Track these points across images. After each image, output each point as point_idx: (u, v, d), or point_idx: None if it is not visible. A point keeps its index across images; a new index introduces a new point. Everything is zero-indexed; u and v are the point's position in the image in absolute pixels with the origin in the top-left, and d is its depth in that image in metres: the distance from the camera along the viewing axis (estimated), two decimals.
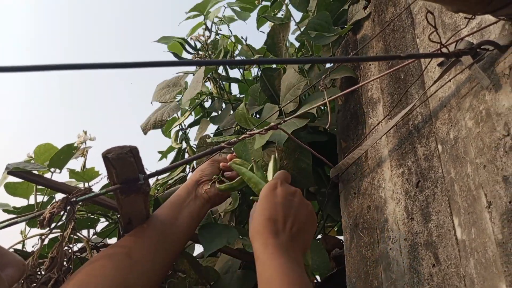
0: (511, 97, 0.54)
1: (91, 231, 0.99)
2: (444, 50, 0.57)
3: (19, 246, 1.01)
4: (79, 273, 0.68)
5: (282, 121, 0.68)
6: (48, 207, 0.76)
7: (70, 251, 0.96)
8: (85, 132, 1.26)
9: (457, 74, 0.63)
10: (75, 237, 0.99)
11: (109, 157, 0.66)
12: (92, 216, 0.95)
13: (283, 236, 0.60)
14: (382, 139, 0.84)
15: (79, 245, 1.03)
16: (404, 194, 0.73)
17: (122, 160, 0.67)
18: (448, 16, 0.71)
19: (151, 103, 1.30)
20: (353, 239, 0.88)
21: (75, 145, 0.81)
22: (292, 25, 1.30)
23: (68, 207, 0.84)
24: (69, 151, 0.80)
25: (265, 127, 0.67)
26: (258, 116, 1.22)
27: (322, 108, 1.28)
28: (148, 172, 0.74)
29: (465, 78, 0.63)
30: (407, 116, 0.76)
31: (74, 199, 0.75)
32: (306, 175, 1.02)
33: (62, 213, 0.81)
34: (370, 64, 0.97)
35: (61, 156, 0.78)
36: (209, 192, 0.88)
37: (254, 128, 0.94)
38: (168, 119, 1.17)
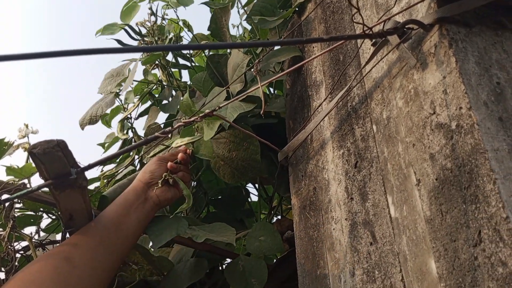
0: (437, 76, 0.55)
1: (35, 228, 0.96)
2: (374, 30, 0.57)
3: None
4: (15, 278, 0.64)
5: (217, 107, 0.66)
6: None
7: (12, 249, 0.92)
8: (27, 126, 1.21)
9: (387, 54, 0.63)
10: (17, 235, 0.95)
11: (35, 152, 0.63)
12: (34, 214, 0.92)
13: None
14: (325, 121, 0.84)
15: (24, 243, 0.99)
16: (344, 174, 0.74)
17: (50, 155, 0.64)
18: None
19: (98, 94, 1.26)
20: (302, 220, 0.89)
21: (9, 140, 0.77)
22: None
23: (6, 204, 0.81)
24: (0, 146, 0.75)
25: (200, 115, 0.65)
26: None
27: (272, 92, 1.27)
28: (82, 166, 0.71)
29: (395, 58, 0.63)
30: (345, 97, 0.77)
31: (8, 193, 0.71)
32: (256, 165, 1.02)
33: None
34: (313, 47, 0.97)
35: None
36: (160, 195, 0.85)
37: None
38: (101, 114, 1.13)
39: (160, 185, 0.84)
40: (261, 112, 0.72)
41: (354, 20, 0.57)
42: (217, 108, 0.66)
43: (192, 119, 0.65)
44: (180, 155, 0.89)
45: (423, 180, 0.54)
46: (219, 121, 0.94)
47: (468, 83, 0.50)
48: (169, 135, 0.85)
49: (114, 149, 1.64)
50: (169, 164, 0.87)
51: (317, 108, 0.84)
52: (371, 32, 0.54)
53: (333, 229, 0.75)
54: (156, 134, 0.66)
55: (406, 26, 0.54)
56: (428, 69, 0.56)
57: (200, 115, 0.65)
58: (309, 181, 0.87)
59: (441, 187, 0.51)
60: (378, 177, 0.64)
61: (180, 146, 0.92)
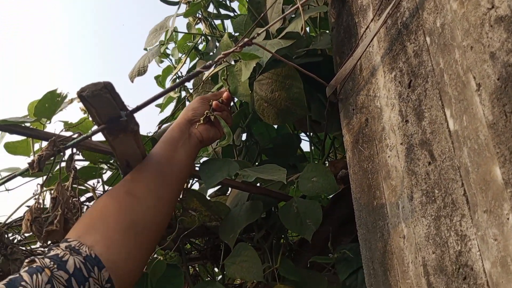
0: None
1: (97, 181, 1.00)
2: None
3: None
4: (83, 217, 0.67)
5: (256, 35, 0.64)
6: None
7: (78, 201, 0.97)
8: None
9: None
10: (81, 187, 1.00)
11: (84, 95, 0.65)
12: (95, 166, 0.96)
13: None
14: (374, 46, 0.79)
15: (88, 195, 1.05)
16: (398, 98, 0.69)
17: (99, 97, 0.65)
18: None
19: (144, 49, 1.27)
20: (355, 155, 0.86)
21: (61, 92, 0.80)
22: None
23: (58, 150, 0.85)
24: (53, 98, 0.79)
25: (239, 44, 0.63)
26: None
27: (317, 31, 1.22)
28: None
29: None
30: (395, 15, 0.71)
31: (63, 144, 0.74)
32: (300, 104, 0.99)
33: (55, 158, 0.81)
34: None
35: (45, 104, 0.77)
36: (203, 132, 0.86)
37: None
38: (148, 64, 1.14)
39: (202, 121, 0.84)
40: (302, 32, 0.69)
41: None
42: (255, 35, 0.63)
43: (231, 50, 0.63)
44: (225, 94, 0.88)
45: (484, 83, 0.49)
46: (254, 60, 0.91)
47: None
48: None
49: (170, 108, 1.67)
50: (214, 102, 0.87)
51: (365, 31, 0.79)
52: None
53: (388, 156, 0.71)
54: (198, 69, 0.65)
55: None
56: None
57: (240, 44, 0.63)
58: (361, 114, 0.84)
59: (504, 86, 0.46)
60: (435, 92, 0.59)
61: (221, 88, 0.91)
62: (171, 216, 0.78)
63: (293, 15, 0.99)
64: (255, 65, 0.89)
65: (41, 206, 0.78)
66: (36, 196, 0.83)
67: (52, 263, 0.53)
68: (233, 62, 1.01)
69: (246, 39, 0.63)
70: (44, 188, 1.05)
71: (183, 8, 1.37)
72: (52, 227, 0.75)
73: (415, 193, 0.62)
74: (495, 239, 0.46)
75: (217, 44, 1.34)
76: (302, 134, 1.41)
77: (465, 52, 0.53)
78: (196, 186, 1.32)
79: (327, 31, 1.15)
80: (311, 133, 1.28)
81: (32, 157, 0.99)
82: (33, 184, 1.18)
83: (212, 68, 0.69)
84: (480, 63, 0.50)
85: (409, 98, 0.66)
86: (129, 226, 0.64)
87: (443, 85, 0.57)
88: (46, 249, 0.61)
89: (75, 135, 0.85)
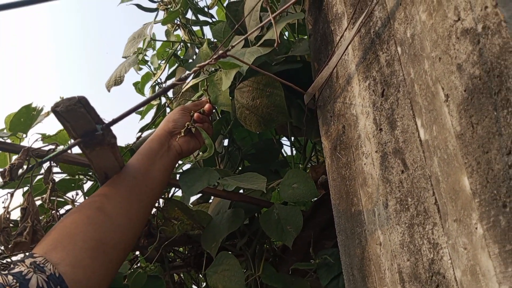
0: None
1: (76, 193, 0.99)
2: None
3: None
4: (52, 231, 0.66)
5: (230, 47, 0.64)
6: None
7: (57, 214, 0.96)
8: (62, 98, 1.24)
9: None
10: (60, 199, 0.99)
11: (58, 110, 0.64)
12: (73, 178, 0.95)
13: None
14: (349, 55, 0.80)
15: (68, 207, 1.04)
16: (372, 106, 0.70)
17: (73, 112, 0.65)
18: None
19: (123, 57, 1.26)
20: (333, 162, 0.86)
21: (36, 106, 0.79)
22: None
23: (45, 168, 0.84)
24: (28, 112, 0.78)
25: (214, 56, 0.63)
26: None
27: (296, 34, 1.22)
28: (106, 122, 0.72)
29: None
30: (368, 24, 0.72)
31: (37, 153, 0.73)
32: (281, 111, 1.00)
33: (28, 167, 0.80)
34: None
35: (21, 118, 0.76)
36: (182, 145, 0.85)
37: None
38: (125, 74, 1.13)
39: (182, 134, 0.84)
40: (275, 45, 0.69)
41: None
42: (230, 47, 0.63)
43: (206, 62, 0.63)
44: (206, 106, 0.88)
45: (452, 94, 0.50)
46: (235, 70, 0.91)
47: None
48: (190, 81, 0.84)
49: (150, 115, 1.66)
50: (195, 114, 0.87)
51: (340, 40, 0.80)
52: None
53: (364, 164, 0.72)
54: (174, 81, 0.65)
55: None
56: None
57: (214, 57, 0.63)
58: (338, 121, 0.84)
59: (470, 97, 0.47)
60: (406, 101, 0.60)
61: (201, 97, 0.91)
62: (142, 228, 0.77)
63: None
64: (235, 73, 0.90)
65: (8, 216, 0.77)
66: (5, 206, 0.82)
67: (14, 281, 0.53)
68: (212, 69, 1.01)
69: (221, 51, 0.63)
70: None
71: (162, 14, 1.36)
72: (20, 238, 0.74)
73: (390, 200, 0.63)
74: (464, 248, 0.47)
75: (197, 50, 1.34)
76: (284, 138, 1.42)
77: (434, 63, 0.54)
78: (179, 193, 1.32)
79: (305, 37, 1.16)
80: (293, 138, 1.29)
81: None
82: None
83: (190, 78, 0.68)
84: (448, 74, 0.51)
85: (383, 107, 0.67)
86: (97, 245, 0.63)
87: (414, 95, 0.58)
88: (11, 264, 0.61)
89: (52, 147, 0.84)
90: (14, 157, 0.87)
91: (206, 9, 1.27)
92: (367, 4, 0.72)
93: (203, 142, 0.89)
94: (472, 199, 0.46)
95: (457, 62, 0.49)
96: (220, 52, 0.63)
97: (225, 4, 1.21)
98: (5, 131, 0.90)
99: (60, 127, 1.02)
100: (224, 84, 0.86)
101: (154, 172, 0.78)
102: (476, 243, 0.45)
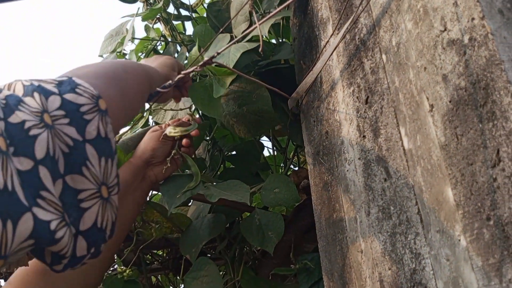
0: None
1: None
2: None
3: None
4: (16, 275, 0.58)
5: (216, 54, 0.62)
6: None
7: None
8: None
9: None
10: None
11: None
12: None
13: None
14: (334, 60, 0.79)
15: None
16: (355, 113, 0.70)
17: None
18: None
19: (99, 56, 1.23)
20: (316, 167, 0.86)
21: None
22: None
23: None
24: None
25: (199, 64, 0.61)
26: None
27: (281, 40, 1.22)
28: None
29: None
30: (353, 30, 0.72)
31: None
32: (269, 116, 0.99)
33: None
34: None
35: None
36: (158, 174, 0.79)
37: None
38: None
39: (168, 165, 0.79)
40: (260, 49, 0.68)
41: None
42: (215, 54, 0.62)
43: (191, 69, 0.61)
44: (194, 131, 0.83)
45: (436, 105, 0.50)
46: (231, 77, 0.90)
47: None
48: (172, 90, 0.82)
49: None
50: (184, 140, 0.82)
51: (325, 46, 0.79)
52: None
53: (347, 170, 0.72)
54: (157, 89, 0.63)
55: None
56: None
57: (199, 63, 0.61)
58: (321, 126, 0.84)
59: (455, 108, 0.47)
60: (390, 110, 0.60)
61: (176, 120, 0.87)
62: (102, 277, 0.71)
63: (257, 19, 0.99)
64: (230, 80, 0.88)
65: None
66: None
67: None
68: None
69: (206, 58, 0.61)
70: None
71: (141, 7, 1.33)
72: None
73: (372, 208, 0.63)
74: (447, 259, 0.47)
75: (178, 48, 1.32)
76: (264, 138, 1.41)
77: (419, 72, 0.54)
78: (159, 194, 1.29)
79: (285, 41, 1.15)
80: (274, 140, 1.28)
81: None
82: None
83: (172, 87, 0.66)
84: (433, 85, 0.51)
85: (366, 114, 0.66)
86: None
87: (398, 103, 0.58)
88: None
89: None
90: None
91: (188, 3, 1.25)
92: (353, 10, 0.72)
93: (180, 164, 0.85)
94: (456, 210, 0.46)
95: (443, 73, 0.49)
96: (206, 58, 0.61)
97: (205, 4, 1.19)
98: None
99: None
100: (217, 91, 0.84)
101: (123, 211, 0.70)
102: (459, 255, 0.45)
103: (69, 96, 0.36)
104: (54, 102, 0.35)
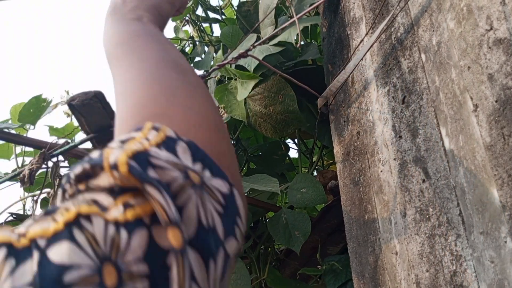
0: None
1: None
2: None
3: (20, 211, 1.00)
4: None
5: (251, 47, 0.63)
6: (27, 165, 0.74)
7: None
8: (67, 92, 1.23)
9: None
10: None
11: (74, 104, 0.63)
12: None
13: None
14: (367, 60, 0.79)
15: None
16: (391, 113, 0.69)
17: (88, 106, 0.64)
18: None
19: None
20: (346, 167, 0.85)
21: (46, 98, 0.77)
22: None
23: (50, 163, 0.82)
24: (38, 103, 0.76)
25: (235, 56, 0.62)
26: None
27: (308, 38, 1.22)
28: None
29: None
30: (389, 29, 0.71)
31: (51, 152, 0.72)
32: (296, 116, 0.99)
33: (46, 169, 0.79)
34: None
35: (30, 109, 0.74)
36: None
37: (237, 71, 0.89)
38: None
39: None
40: (298, 45, 0.68)
41: None
42: (251, 47, 0.62)
43: (226, 61, 0.62)
44: None
45: (481, 105, 0.49)
46: (253, 81, 0.90)
47: None
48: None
49: None
50: None
51: (358, 45, 0.79)
52: None
53: (381, 171, 0.71)
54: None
55: None
56: None
57: (234, 56, 0.62)
58: (352, 126, 0.83)
59: (502, 108, 0.46)
60: (430, 109, 0.59)
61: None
62: None
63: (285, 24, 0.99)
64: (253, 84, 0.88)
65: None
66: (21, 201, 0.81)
67: None
68: (219, 75, 1.00)
69: (241, 51, 0.62)
70: (28, 194, 1.02)
71: None
72: None
73: (408, 209, 0.62)
74: (491, 261, 0.46)
75: (206, 49, 1.33)
76: (289, 140, 1.41)
77: (462, 72, 0.53)
78: None
79: (313, 41, 1.15)
80: (299, 141, 1.28)
81: (13, 160, 0.96)
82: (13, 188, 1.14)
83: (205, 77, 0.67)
84: (478, 84, 0.50)
85: (403, 114, 0.66)
86: None
87: (439, 103, 0.57)
88: None
89: (63, 141, 0.82)
90: (28, 159, 0.86)
91: (217, 8, 1.26)
92: (389, 10, 0.72)
93: None
94: (502, 212, 0.45)
95: (489, 72, 0.48)
96: (241, 51, 0.62)
97: (235, 5, 1.19)
98: (10, 121, 0.88)
99: (65, 118, 1.01)
100: (240, 94, 0.84)
101: None
102: (505, 257, 0.44)
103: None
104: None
